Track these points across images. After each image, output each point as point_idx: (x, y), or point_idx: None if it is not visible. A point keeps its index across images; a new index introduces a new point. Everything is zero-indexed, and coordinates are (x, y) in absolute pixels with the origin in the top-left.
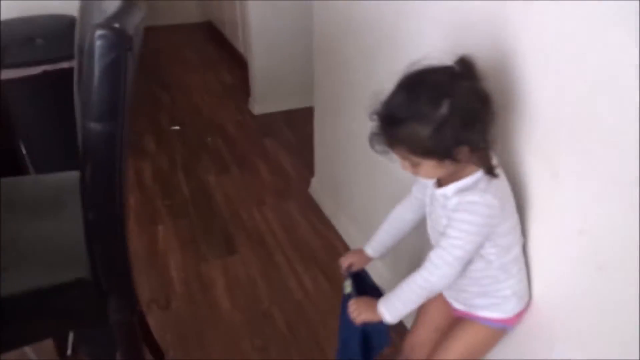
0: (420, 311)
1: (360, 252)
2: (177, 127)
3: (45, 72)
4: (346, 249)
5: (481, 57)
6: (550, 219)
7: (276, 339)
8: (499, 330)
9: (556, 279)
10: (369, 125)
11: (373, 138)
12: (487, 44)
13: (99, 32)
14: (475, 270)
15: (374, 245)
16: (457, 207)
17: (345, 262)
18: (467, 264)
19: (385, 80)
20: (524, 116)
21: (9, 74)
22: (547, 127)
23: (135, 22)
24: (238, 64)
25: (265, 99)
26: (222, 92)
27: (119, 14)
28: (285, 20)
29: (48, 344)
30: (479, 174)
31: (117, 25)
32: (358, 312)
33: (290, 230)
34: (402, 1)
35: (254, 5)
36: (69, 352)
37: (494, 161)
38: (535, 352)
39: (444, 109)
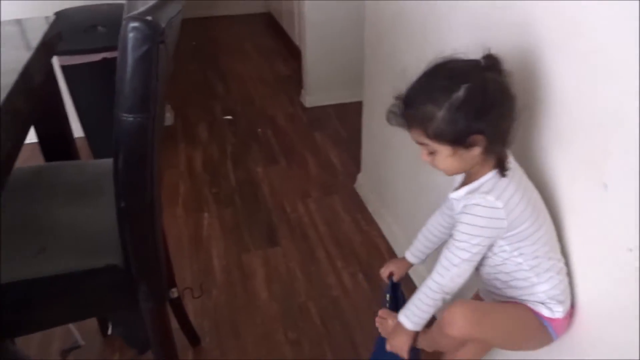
0: None
1: (400, 260)
2: (229, 117)
3: (105, 59)
4: (388, 247)
5: (519, 57)
6: (595, 233)
7: (310, 333)
8: (543, 326)
9: (601, 297)
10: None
11: (390, 115)
12: (531, 43)
13: (131, 25)
14: (506, 273)
15: (413, 251)
16: (462, 209)
17: (385, 271)
18: (478, 264)
19: None
20: (566, 117)
21: (70, 60)
22: (596, 135)
23: (170, 15)
24: (293, 55)
25: (318, 92)
26: (275, 83)
27: (154, 7)
28: (340, 13)
29: (91, 322)
30: (488, 176)
31: (149, 18)
32: (396, 347)
33: (333, 225)
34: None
35: None
36: (109, 332)
37: (510, 163)
38: None
39: (460, 92)
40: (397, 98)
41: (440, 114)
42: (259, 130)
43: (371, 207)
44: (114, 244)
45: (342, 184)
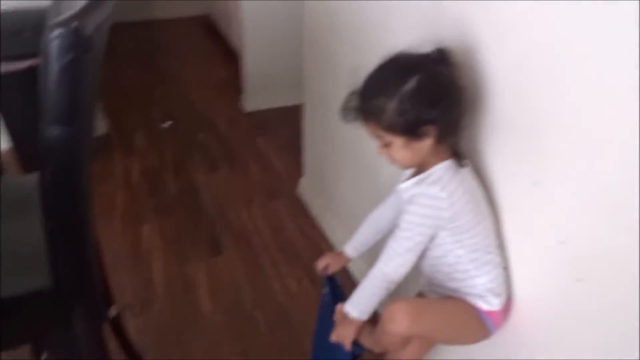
0: None
1: (338, 254)
2: (168, 123)
3: (31, 67)
4: (331, 249)
5: (458, 54)
6: (530, 227)
7: (258, 343)
8: (481, 319)
9: (536, 287)
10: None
11: (345, 111)
12: (475, 40)
13: (55, 32)
14: (447, 265)
15: (354, 244)
16: (409, 199)
17: (321, 264)
18: (421, 256)
19: None
20: (505, 116)
21: None
22: (530, 134)
23: (98, 20)
24: (233, 58)
25: (259, 95)
26: (216, 87)
27: (81, 12)
28: (279, 15)
29: (23, 350)
30: (438, 167)
31: (75, 24)
32: (341, 336)
33: (277, 230)
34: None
35: None
36: (43, 356)
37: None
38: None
39: (411, 84)
40: (352, 93)
41: (392, 105)
42: (200, 136)
43: (315, 211)
44: (43, 266)
45: (285, 189)
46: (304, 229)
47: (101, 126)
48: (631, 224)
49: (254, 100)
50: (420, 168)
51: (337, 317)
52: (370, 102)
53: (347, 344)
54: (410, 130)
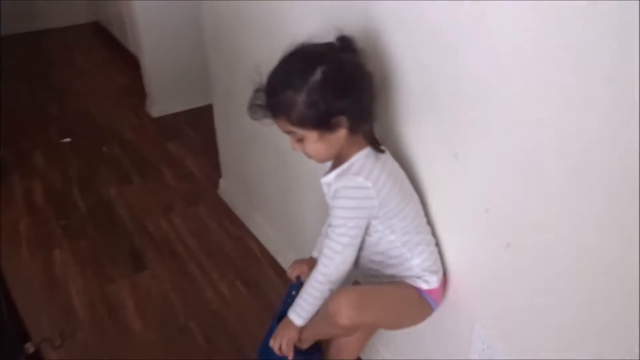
0: None
1: (308, 260)
2: (68, 139)
3: None
4: (261, 249)
5: (366, 39)
6: (456, 200)
7: (196, 354)
8: (423, 298)
9: (468, 259)
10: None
11: (253, 108)
12: (376, 25)
13: None
14: (381, 253)
15: (319, 247)
16: (334, 194)
17: (294, 271)
18: (358, 247)
19: None
20: (418, 96)
21: None
22: (443, 108)
23: None
24: (131, 65)
25: (164, 100)
26: (116, 96)
27: None
28: (175, 15)
29: None
30: (356, 157)
31: None
32: (279, 342)
33: (202, 236)
34: None
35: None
36: None
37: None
38: (457, 332)
39: (317, 75)
40: (257, 90)
41: (301, 98)
42: (105, 148)
43: (239, 211)
44: None
45: (204, 193)
46: (229, 231)
47: None
48: (546, 186)
49: (160, 105)
50: (339, 159)
51: (277, 334)
52: (278, 98)
53: (290, 353)
54: (322, 122)
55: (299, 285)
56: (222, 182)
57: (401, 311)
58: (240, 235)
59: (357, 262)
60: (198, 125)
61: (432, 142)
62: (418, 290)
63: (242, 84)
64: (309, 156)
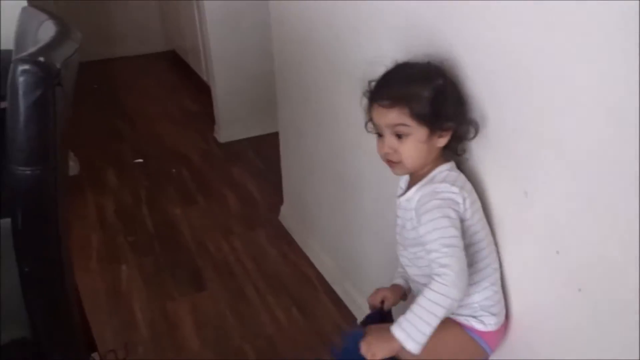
0: None
1: (392, 287)
2: (140, 160)
3: None
4: (318, 276)
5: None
6: (525, 239)
7: None
8: (474, 341)
9: (535, 301)
10: (334, 147)
11: (368, 94)
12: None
13: (22, 67)
14: None
15: (402, 273)
16: (417, 206)
17: (376, 298)
18: (417, 269)
19: (345, 100)
20: (490, 131)
21: None
22: (513, 143)
23: (65, 54)
24: (202, 91)
25: (231, 126)
26: (186, 121)
27: (47, 47)
28: (246, 45)
29: None
30: (439, 169)
31: (42, 59)
32: (372, 351)
33: (260, 260)
34: (356, 17)
35: (213, 30)
36: None
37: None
38: None
39: (440, 80)
40: (373, 81)
41: (426, 94)
42: (173, 170)
43: (297, 237)
44: (19, 315)
45: (265, 217)
46: (287, 256)
47: (71, 167)
48: (623, 232)
49: (227, 131)
50: (418, 176)
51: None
52: (402, 88)
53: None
54: (437, 123)
55: (379, 313)
56: (283, 209)
57: (450, 357)
58: (297, 262)
59: (416, 282)
60: (263, 152)
61: (502, 176)
62: (471, 332)
63: (305, 112)
64: (400, 158)
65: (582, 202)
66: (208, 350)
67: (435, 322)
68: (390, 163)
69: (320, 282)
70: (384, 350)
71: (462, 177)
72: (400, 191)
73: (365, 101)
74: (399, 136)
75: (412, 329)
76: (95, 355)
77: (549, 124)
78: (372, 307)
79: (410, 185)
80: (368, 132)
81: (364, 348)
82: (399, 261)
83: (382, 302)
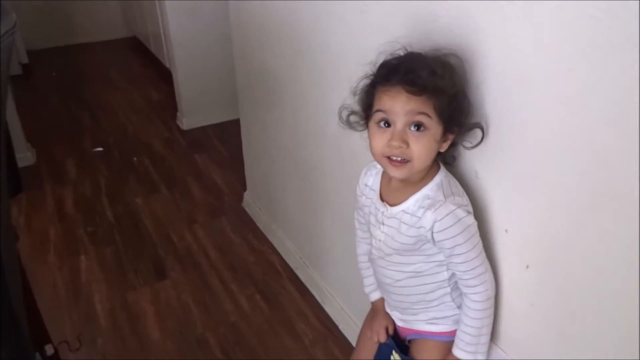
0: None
1: (376, 312)
2: (100, 149)
3: None
4: (282, 263)
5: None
6: (476, 218)
7: None
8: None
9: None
10: (296, 133)
11: (381, 77)
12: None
13: None
14: (429, 284)
15: (375, 288)
16: (437, 227)
17: (380, 329)
18: (408, 279)
19: (306, 86)
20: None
21: None
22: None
23: None
24: (165, 79)
25: (194, 113)
26: (148, 109)
27: None
28: (208, 30)
29: None
30: (437, 179)
31: None
32: None
33: (224, 248)
34: (317, 1)
35: (173, 16)
36: None
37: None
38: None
39: (458, 80)
40: (385, 65)
41: (449, 91)
42: (135, 159)
43: (261, 225)
44: None
45: (229, 205)
46: (252, 244)
47: (27, 157)
48: (564, 206)
49: (190, 118)
50: (410, 184)
51: None
52: (433, 78)
53: None
54: (450, 124)
55: (393, 343)
56: (247, 196)
57: None
58: (262, 249)
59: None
60: (226, 139)
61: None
62: (444, 341)
63: (265, 99)
64: (407, 158)
65: (530, 181)
66: (170, 340)
67: (490, 329)
68: (393, 162)
69: (284, 268)
70: None
71: (458, 185)
72: (369, 192)
73: (361, 85)
74: (417, 128)
75: (475, 348)
76: (48, 347)
77: (500, 103)
78: (382, 341)
79: (398, 193)
80: (344, 124)
81: None
82: (362, 265)
83: (387, 329)
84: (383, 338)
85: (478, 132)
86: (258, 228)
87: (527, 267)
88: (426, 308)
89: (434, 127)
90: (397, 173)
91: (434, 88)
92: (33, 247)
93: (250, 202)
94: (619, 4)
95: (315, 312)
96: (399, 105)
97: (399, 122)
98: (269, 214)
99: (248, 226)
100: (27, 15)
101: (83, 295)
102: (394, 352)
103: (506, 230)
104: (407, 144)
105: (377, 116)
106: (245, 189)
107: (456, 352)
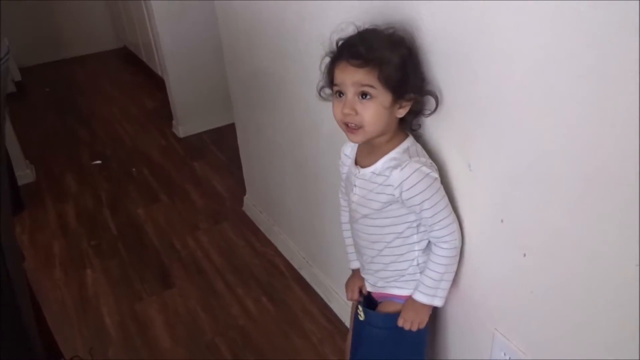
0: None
1: (355, 273)
2: (98, 162)
3: None
4: (287, 264)
5: None
6: (472, 208)
7: None
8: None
9: (485, 267)
10: (291, 133)
11: (339, 52)
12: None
13: None
14: (399, 246)
15: (355, 256)
16: (405, 186)
17: (353, 290)
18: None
19: (296, 85)
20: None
21: None
22: (457, 115)
23: None
24: (158, 87)
25: (189, 120)
26: (144, 118)
27: None
28: (198, 36)
29: None
30: (404, 145)
31: None
32: (414, 324)
33: (228, 253)
34: (303, 2)
35: (162, 24)
36: None
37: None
38: (478, 340)
39: (405, 50)
40: (341, 39)
41: (395, 60)
42: (134, 169)
43: (263, 227)
44: None
45: (230, 210)
46: (255, 247)
47: (27, 174)
48: (562, 197)
49: (185, 125)
50: (378, 148)
51: (409, 317)
52: (375, 51)
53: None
54: (401, 91)
55: (363, 300)
56: (247, 199)
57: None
58: (265, 251)
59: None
60: (223, 144)
61: (446, 150)
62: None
63: (259, 100)
64: (358, 124)
65: (523, 171)
66: (180, 347)
67: (452, 276)
68: (349, 129)
69: (288, 268)
70: (421, 318)
71: (424, 152)
72: (347, 160)
73: (324, 64)
74: (363, 96)
75: (441, 292)
76: None
77: (486, 92)
78: (355, 299)
79: (369, 157)
80: (322, 98)
81: (407, 325)
82: (345, 233)
83: (360, 289)
84: (356, 296)
85: (433, 101)
86: (260, 230)
87: (525, 255)
88: (396, 271)
89: (381, 95)
90: (353, 138)
91: (377, 59)
92: (38, 264)
93: (251, 205)
94: None
95: (321, 310)
96: (347, 77)
97: (349, 92)
98: (270, 215)
99: (250, 229)
100: (17, 32)
101: (91, 309)
102: (359, 306)
103: (502, 220)
104: (356, 112)
105: (335, 88)
106: (245, 193)
107: (416, 295)
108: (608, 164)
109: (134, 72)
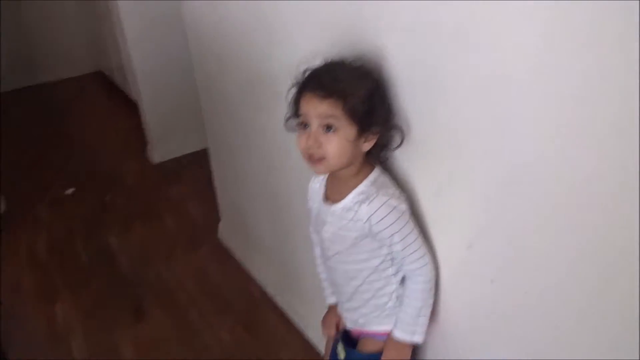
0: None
1: (331, 309)
2: (71, 190)
3: None
4: (261, 291)
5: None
6: (439, 234)
7: None
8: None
9: (454, 294)
10: (263, 159)
11: (304, 83)
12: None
13: None
14: (376, 281)
15: (332, 291)
16: (374, 220)
17: (330, 326)
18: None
19: (265, 112)
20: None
21: None
22: (426, 142)
23: None
24: (133, 111)
25: (164, 145)
26: (118, 143)
27: None
28: (171, 60)
29: None
30: (371, 177)
31: None
32: None
33: (202, 281)
34: (273, 28)
35: (135, 47)
36: None
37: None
38: None
39: (372, 83)
40: (311, 70)
41: (361, 92)
42: (108, 196)
43: (237, 254)
44: None
45: (205, 237)
46: (229, 275)
47: None
48: (527, 223)
49: (160, 150)
50: (345, 183)
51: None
52: (339, 82)
53: None
54: (366, 124)
55: (341, 337)
56: (221, 226)
57: None
58: (239, 279)
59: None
60: (198, 168)
61: (415, 177)
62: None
63: (232, 126)
64: (325, 153)
65: (490, 198)
66: None
67: (430, 309)
68: (313, 160)
69: (263, 296)
70: (407, 355)
71: (392, 183)
72: (316, 195)
73: (291, 95)
74: (327, 129)
75: (420, 328)
76: None
77: (457, 119)
78: (332, 336)
79: (339, 192)
80: (287, 130)
81: None
82: (320, 268)
83: (337, 325)
84: (333, 332)
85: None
86: (234, 258)
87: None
88: (376, 306)
89: (345, 128)
90: (316, 169)
91: (342, 91)
92: (7, 297)
93: (225, 232)
94: None
95: (297, 338)
96: (311, 108)
97: (313, 124)
98: (244, 242)
99: (225, 257)
100: None
101: (62, 345)
102: (339, 344)
103: (470, 247)
104: (320, 144)
105: (300, 119)
106: (219, 219)
107: (396, 333)
108: (578, 189)
109: (109, 96)
